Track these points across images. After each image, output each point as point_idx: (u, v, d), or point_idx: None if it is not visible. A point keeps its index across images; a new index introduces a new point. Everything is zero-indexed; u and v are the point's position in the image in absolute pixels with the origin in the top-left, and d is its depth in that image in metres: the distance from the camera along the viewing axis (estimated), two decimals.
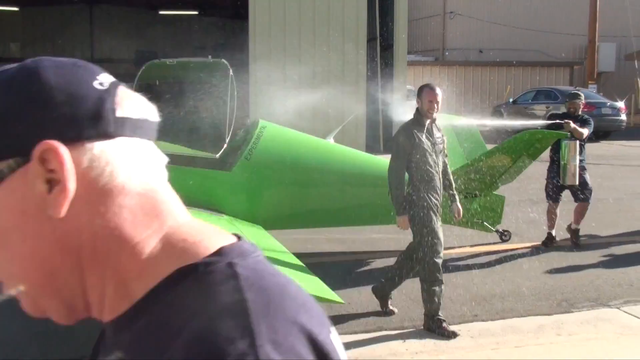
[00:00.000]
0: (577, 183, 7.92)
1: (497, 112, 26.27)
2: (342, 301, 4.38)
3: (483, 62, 32.00)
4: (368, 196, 7.35)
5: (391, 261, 7.61)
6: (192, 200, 6.55)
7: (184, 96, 21.08)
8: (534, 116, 24.00)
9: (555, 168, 8.11)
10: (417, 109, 5.76)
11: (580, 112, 8.28)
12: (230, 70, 7.77)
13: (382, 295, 5.93)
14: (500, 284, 6.79)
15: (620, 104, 23.28)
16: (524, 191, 10.64)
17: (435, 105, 5.69)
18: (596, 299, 6.45)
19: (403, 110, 19.01)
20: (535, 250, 8.10)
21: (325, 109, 17.61)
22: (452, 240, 8.33)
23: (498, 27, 33.46)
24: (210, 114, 19.55)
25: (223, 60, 7.73)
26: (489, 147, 8.33)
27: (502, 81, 30.98)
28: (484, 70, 31.46)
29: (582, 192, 8.14)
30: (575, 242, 8.22)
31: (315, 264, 6.93)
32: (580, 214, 8.23)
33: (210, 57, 8.10)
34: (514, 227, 8.63)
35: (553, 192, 8.21)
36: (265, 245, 5.65)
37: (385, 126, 18.69)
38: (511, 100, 26.07)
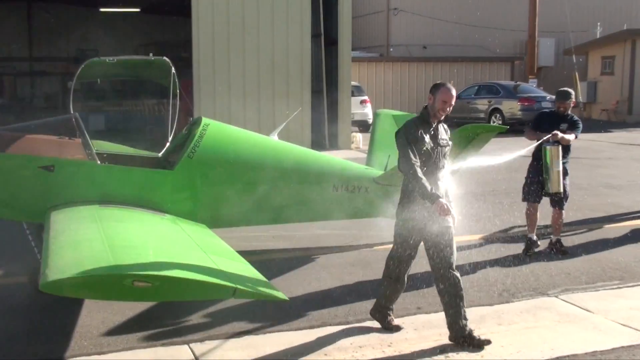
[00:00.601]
0: (561, 190, 7.57)
1: None
2: (286, 298, 4.39)
3: (427, 58, 32.40)
4: (313, 193, 7.38)
5: (336, 257, 7.71)
6: (135, 200, 6.49)
7: (126, 95, 20.83)
8: (477, 110, 24.46)
9: (538, 167, 7.66)
10: (426, 107, 5.34)
11: (569, 112, 7.85)
12: (173, 68, 7.70)
13: (381, 316, 5.60)
14: None
15: None
16: (466, 185, 10.81)
17: (449, 107, 5.31)
18: (535, 289, 6.61)
19: (348, 107, 19.19)
20: (476, 243, 8.26)
21: (270, 105, 17.63)
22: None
23: (441, 23, 33.90)
24: (152, 112, 19.36)
25: (165, 58, 7.65)
26: None
27: (446, 76, 31.37)
28: (428, 65, 31.85)
29: (560, 199, 7.77)
30: (562, 250, 7.81)
31: (261, 261, 6.95)
32: (557, 223, 7.88)
33: (151, 54, 7.99)
34: (457, 220, 8.74)
35: (534, 193, 7.82)
36: (209, 244, 5.63)
37: (330, 123, 18.77)
38: None
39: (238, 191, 6.97)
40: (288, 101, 17.42)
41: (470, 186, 11.16)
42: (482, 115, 24.50)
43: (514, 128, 21.14)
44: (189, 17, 17.27)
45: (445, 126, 5.53)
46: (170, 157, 7.19)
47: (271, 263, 7.34)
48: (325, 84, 18.65)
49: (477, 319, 5.76)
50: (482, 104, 24.93)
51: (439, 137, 5.35)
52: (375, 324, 5.62)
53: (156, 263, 4.37)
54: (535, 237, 7.87)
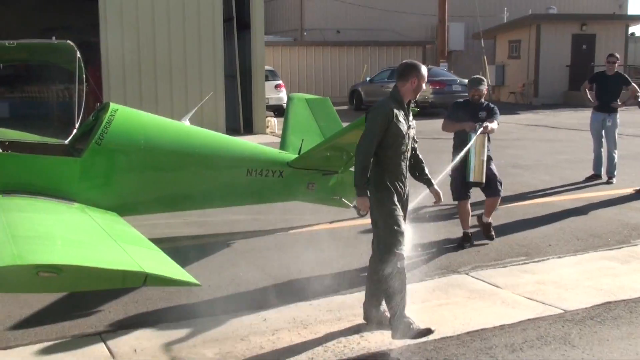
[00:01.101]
0: (483, 180, 7.25)
1: (355, 91, 26.90)
2: (199, 283, 4.33)
3: (341, 42, 32.59)
4: (225, 178, 7.31)
5: (252, 242, 7.68)
6: (41, 189, 6.26)
7: (30, 81, 19.96)
8: None
9: (461, 162, 7.11)
10: (396, 87, 5.14)
11: (483, 100, 7.60)
12: (78, 52, 7.43)
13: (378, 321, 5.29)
14: (359, 257, 6.98)
15: None
16: None
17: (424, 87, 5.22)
18: (447, 267, 6.78)
19: (262, 91, 19.09)
20: None
21: (182, 90, 17.33)
22: (311, 217, 8.50)
23: (354, 8, 34.13)
24: (58, 98, 18.65)
25: (69, 41, 7.37)
26: (345, 124, 8.50)
27: (359, 61, 31.71)
28: (342, 50, 32.07)
29: (490, 187, 7.50)
30: (489, 234, 7.66)
31: (174, 248, 6.84)
32: (491, 207, 7.68)
33: (54, 38, 7.68)
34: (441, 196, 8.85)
35: (461, 190, 7.50)
36: (119, 232, 5.49)
37: (244, 107, 18.63)
38: (368, 79, 26.73)
39: (149, 178, 6.83)
40: (201, 86, 17.18)
41: None
42: None
43: (425, 111, 21.64)
44: (95, 1, 16.71)
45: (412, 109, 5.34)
46: (78, 144, 6.95)
47: (185, 250, 7.23)
48: (239, 69, 18.48)
49: None
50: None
51: (409, 118, 5.22)
52: (291, 307, 5.63)
53: (62, 252, 4.23)
54: (470, 232, 7.59)
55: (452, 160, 7.02)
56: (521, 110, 25.45)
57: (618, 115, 11.32)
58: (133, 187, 6.79)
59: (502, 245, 7.51)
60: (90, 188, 6.53)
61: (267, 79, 20.64)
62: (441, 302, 5.83)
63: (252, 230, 8.11)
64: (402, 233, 5.08)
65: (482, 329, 5.20)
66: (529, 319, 5.39)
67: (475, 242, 7.53)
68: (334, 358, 4.72)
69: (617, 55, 11.78)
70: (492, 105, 7.61)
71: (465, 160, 7.11)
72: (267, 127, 19.01)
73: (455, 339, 4.92)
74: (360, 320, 5.34)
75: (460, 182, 7.39)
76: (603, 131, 11.29)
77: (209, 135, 7.46)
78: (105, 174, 6.65)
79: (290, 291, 6.05)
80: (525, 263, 6.89)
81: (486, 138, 7.21)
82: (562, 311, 5.56)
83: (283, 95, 22.83)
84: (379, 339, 5.02)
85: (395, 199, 5.10)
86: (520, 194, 10.30)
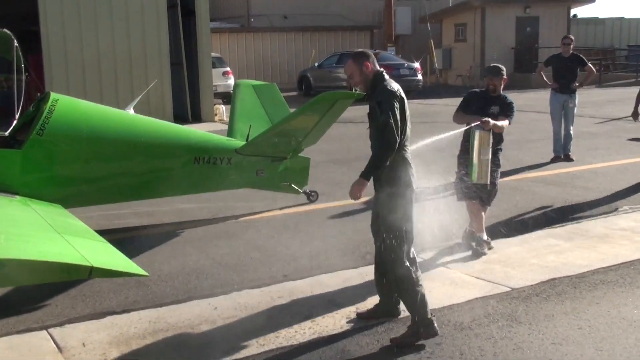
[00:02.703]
0: (487, 182, 6.41)
1: (303, 77, 26.84)
2: (146, 274, 4.27)
3: (288, 28, 32.44)
4: (172, 167, 7.23)
5: (201, 230, 7.61)
6: None
7: None
8: (339, 79, 24.77)
9: (465, 161, 6.54)
10: (382, 72, 4.79)
11: (501, 92, 6.73)
12: (15, 41, 7.22)
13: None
14: (309, 243, 6.99)
15: (417, 65, 24.68)
16: (328, 152, 10.99)
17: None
18: None
19: (209, 78, 18.88)
20: (341, 209, 8.38)
21: (127, 78, 17.03)
22: (261, 204, 8.47)
23: None
24: None
25: (5, 30, 7.16)
26: (293, 110, 8.47)
27: (307, 46, 31.63)
28: (289, 35, 31.93)
29: (486, 192, 6.67)
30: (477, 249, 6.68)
31: (123, 239, 6.76)
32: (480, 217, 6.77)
33: None
34: (320, 187, 8.88)
35: (466, 189, 6.62)
36: (63, 224, 5.37)
37: (192, 95, 18.42)
38: (316, 64, 26.70)
39: (93, 168, 6.71)
40: (146, 74, 16.91)
41: (329, 154, 11.34)
42: (343, 84, 24.84)
43: None
44: None
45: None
46: (18, 135, 6.77)
47: (134, 240, 7.14)
48: (185, 56, 18.24)
49: (343, 282, 5.89)
50: (344, 73, 25.18)
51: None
52: (242, 294, 5.61)
53: (3, 246, 4.12)
54: (485, 237, 6.71)
55: (459, 156, 6.65)
56: None
57: (577, 96, 11.52)
58: (77, 178, 6.67)
59: (448, 227, 7.59)
60: (32, 180, 6.38)
61: (214, 66, 20.41)
62: None
63: (202, 218, 8.04)
64: (412, 240, 4.81)
65: (433, 309, 5.24)
66: (477, 298, 5.47)
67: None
68: (285, 344, 4.72)
69: (572, 37, 11.96)
70: (509, 100, 6.70)
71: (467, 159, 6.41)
72: (216, 114, 18.85)
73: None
74: (312, 304, 5.35)
75: (464, 182, 6.56)
76: (563, 112, 11.45)
77: (154, 124, 7.36)
78: (48, 166, 6.51)
79: (240, 279, 6.03)
80: None
81: (490, 136, 6.26)
82: (509, 289, 5.66)
83: (231, 82, 22.62)
84: (330, 323, 5.03)
85: (412, 196, 4.76)
86: (446, 177, 10.41)
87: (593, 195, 8.96)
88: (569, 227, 7.53)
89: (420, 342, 4.63)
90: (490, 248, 6.70)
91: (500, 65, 6.82)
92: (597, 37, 36.50)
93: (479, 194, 6.61)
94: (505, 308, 5.26)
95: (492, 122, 6.24)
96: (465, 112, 6.70)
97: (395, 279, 4.77)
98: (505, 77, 6.72)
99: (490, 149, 6.30)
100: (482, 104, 6.62)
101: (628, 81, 28.75)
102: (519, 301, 5.39)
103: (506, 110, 6.56)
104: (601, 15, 44.13)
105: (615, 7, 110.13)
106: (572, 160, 11.27)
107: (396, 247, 4.72)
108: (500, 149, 6.76)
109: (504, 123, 6.44)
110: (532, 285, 5.75)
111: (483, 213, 6.74)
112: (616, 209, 8.25)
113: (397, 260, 4.72)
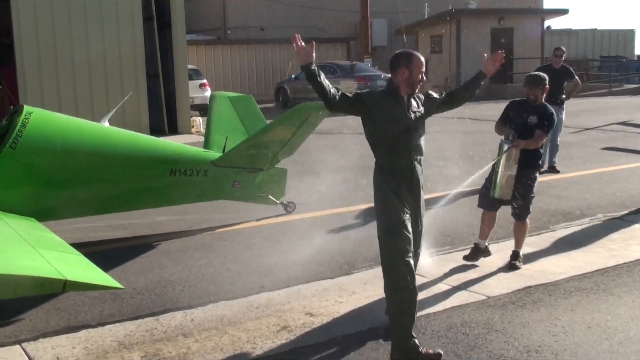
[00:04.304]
0: (509, 198, 6.36)
1: (280, 88, 26.87)
2: (122, 286, 4.25)
3: (265, 40, 32.50)
4: (149, 179, 7.20)
5: (178, 242, 7.57)
6: None
7: None
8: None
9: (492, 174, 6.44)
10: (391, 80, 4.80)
11: (543, 101, 6.50)
12: None
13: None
14: (286, 254, 6.97)
15: None
16: (305, 163, 10.99)
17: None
18: (374, 259, 6.80)
19: (186, 91, 18.84)
20: (318, 219, 8.39)
21: (102, 91, 16.94)
22: (238, 216, 8.45)
23: (277, 5, 34.09)
24: None
25: None
26: (268, 121, 8.48)
27: (284, 58, 31.68)
28: (266, 47, 31.98)
29: (516, 207, 6.51)
30: (511, 263, 6.49)
31: (98, 252, 6.71)
32: (518, 234, 6.62)
33: None
34: (298, 198, 8.88)
35: (484, 199, 6.61)
36: (37, 238, 5.32)
37: (168, 107, 18.36)
38: (293, 76, 26.75)
39: (68, 181, 6.67)
40: (122, 87, 16.83)
41: (306, 165, 11.36)
42: None
43: None
44: (7, 1, 16.13)
45: (421, 95, 5.00)
46: None
47: (110, 253, 7.09)
48: (162, 68, 18.19)
49: (320, 292, 5.89)
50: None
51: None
52: (219, 306, 5.59)
53: None
54: (482, 245, 6.62)
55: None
56: None
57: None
58: (51, 191, 6.61)
59: (427, 236, 7.62)
60: (5, 194, 6.31)
61: (191, 78, 20.40)
62: (369, 294, 5.87)
63: (178, 230, 8.00)
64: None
65: None
66: (453, 307, 5.50)
67: None
68: (262, 355, 4.71)
69: (564, 49, 12.00)
70: (550, 111, 6.40)
71: (492, 172, 6.38)
72: (193, 126, 18.81)
73: (382, 330, 4.96)
74: (289, 315, 5.35)
75: (488, 193, 6.50)
76: None
77: (129, 136, 7.33)
78: (21, 179, 6.45)
79: (217, 290, 6.00)
80: (450, 252, 7.02)
81: (518, 152, 6.17)
82: (485, 297, 5.70)
83: (208, 94, 22.61)
84: (307, 334, 5.02)
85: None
86: (444, 185, 10.48)
87: (568, 203, 9.06)
88: (544, 235, 7.61)
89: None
90: (487, 255, 6.63)
91: (541, 74, 6.64)
92: (570, 48, 36.92)
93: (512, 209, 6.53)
94: (481, 316, 5.29)
95: (523, 143, 6.16)
96: (505, 122, 6.51)
97: None
98: (547, 86, 6.55)
99: (517, 165, 6.19)
100: (521, 113, 6.43)
101: (601, 91, 29.16)
102: (495, 309, 5.43)
103: (543, 122, 6.31)
104: (574, 27, 44.73)
105: (587, 18, 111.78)
106: (557, 172, 11.21)
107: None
108: (539, 165, 6.55)
109: (536, 141, 6.28)
110: (507, 293, 5.79)
111: (493, 224, 6.67)
112: (590, 218, 8.34)
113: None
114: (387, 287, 4.59)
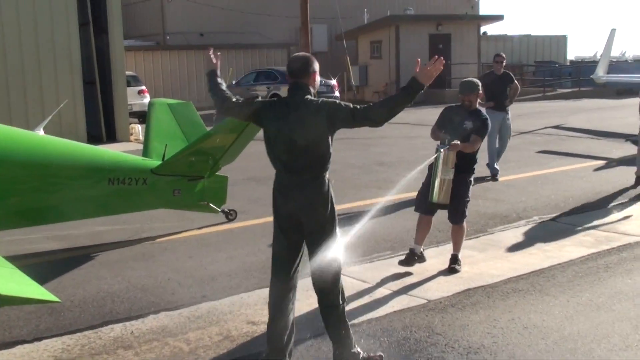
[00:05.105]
0: (447, 202, 6.35)
1: None
2: (58, 300, 4.14)
3: (204, 46, 32.12)
4: (86, 188, 7.06)
5: (117, 253, 7.44)
6: None
7: None
8: (257, 96, 24.85)
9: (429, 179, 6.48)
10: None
11: (476, 107, 6.61)
12: None
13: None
14: (228, 262, 6.94)
15: (334, 82, 25.00)
16: (246, 170, 10.96)
17: None
18: None
19: (124, 97, 18.55)
20: (260, 227, 8.36)
21: (37, 98, 16.55)
22: (178, 224, 8.36)
23: (217, 11, 33.90)
24: None
25: None
26: (208, 128, 8.42)
27: (225, 64, 31.47)
28: (206, 53, 31.71)
29: (452, 211, 6.57)
30: (451, 267, 6.58)
31: (34, 264, 6.52)
32: (456, 238, 6.71)
33: None
34: (239, 205, 8.84)
35: (421, 203, 6.63)
36: None
37: (106, 114, 18.05)
38: (234, 82, 26.65)
39: (2, 192, 6.47)
40: (58, 94, 16.48)
41: (248, 172, 11.32)
42: None
43: None
44: None
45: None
46: None
47: (46, 265, 6.91)
48: (99, 75, 17.88)
49: (263, 300, 5.84)
50: (262, 90, 25.38)
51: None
52: (160, 317, 5.52)
53: None
54: (417, 250, 6.61)
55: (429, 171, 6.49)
56: None
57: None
58: None
59: (369, 241, 7.68)
60: None
61: (129, 85, 20.11)
62: (311, 301, 5.87)
63: (118, 240, 7.86)
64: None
65: (351, 324, 5.29)
66: (395, 311, 5.55)
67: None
68: None
69: (504, 55, 12.16)
70: (484, 117, 6.54)
71: (430, 177, 6.43)
72: (131, 134, 18.52)
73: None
74: (231, 324, 5.31)
75: (425, 197, 6.51)
76: (499, 129, 11.39)
77: (65, 145, 7.17)
78: None
79: (158, 301, 5.92)
80: (390, 257, 7.09)
81: (454, 156, 6.22)
82: (425, 301, 5.77)
83: (146, 101, 22.28)
84: (249, 342, 5.00)
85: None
86: (384, 190, 10.59)
87: (505, 206, 9.27)
88: (482, 239, 7.76)
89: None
90: (421, 261, 6.63)
91: (475, 80, 6.74)
92: (505, 53, 37.72)
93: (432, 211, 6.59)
94: (422, 320, 5.36)
95: (460, 144, 6.20)
96: (440, 128, 6.57)
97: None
98: (481, 91, 6.67)
99: (453, 170, 6.23)
100: (456, 118, 6.51)
101: (535, 96, 29.95)
102: (436, 312, 5.51)
103: (478, 128, 6.41)
104: (509, 33, 45.86)
105: (522, 25, 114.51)
106: (497, 179, 11.24)
107: None
108: (474, 169, 6.63)
109: (474, 144, 6.37)
110: (447, 296, 5.88)
111: (429, 228, 6.71)
112: (526, 220, 8.54)
113: None
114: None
